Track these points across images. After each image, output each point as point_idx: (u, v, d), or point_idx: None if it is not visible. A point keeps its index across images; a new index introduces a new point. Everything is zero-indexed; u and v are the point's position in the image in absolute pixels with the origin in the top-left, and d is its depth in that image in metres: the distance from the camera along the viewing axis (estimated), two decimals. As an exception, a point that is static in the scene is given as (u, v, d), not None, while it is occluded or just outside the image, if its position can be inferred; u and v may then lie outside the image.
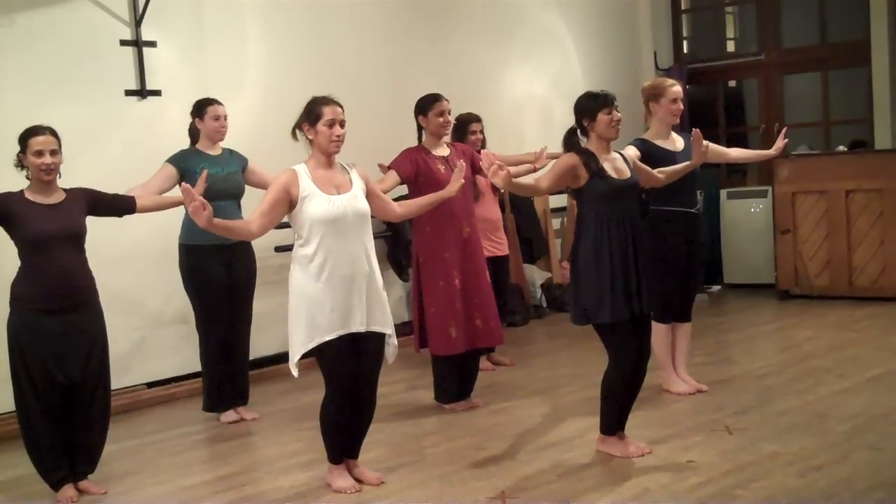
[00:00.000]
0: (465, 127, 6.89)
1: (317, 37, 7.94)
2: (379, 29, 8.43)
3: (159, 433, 5.96)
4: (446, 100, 5.94)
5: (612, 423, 4.89)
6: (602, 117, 4.72)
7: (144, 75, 6.85)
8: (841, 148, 9.99)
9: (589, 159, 4.71)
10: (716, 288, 10.19)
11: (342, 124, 4.51)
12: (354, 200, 4.49)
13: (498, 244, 7.08)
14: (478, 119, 7.00)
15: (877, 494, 4.18)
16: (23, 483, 5.11)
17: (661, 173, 5.24)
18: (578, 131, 4.83)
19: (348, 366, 4.49)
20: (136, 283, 6.69)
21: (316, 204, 4.41)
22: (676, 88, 5.87)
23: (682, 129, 6.48)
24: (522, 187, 4.84)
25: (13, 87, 6.27)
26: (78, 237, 4.69)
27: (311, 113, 4.51)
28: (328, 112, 4.48)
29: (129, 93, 6.83)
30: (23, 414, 4.72)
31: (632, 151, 5.57)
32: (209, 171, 5.75)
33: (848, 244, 9.03)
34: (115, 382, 5.06)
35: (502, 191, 4.57)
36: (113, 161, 6.44)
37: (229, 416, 6.10)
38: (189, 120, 6.05)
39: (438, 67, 8.77)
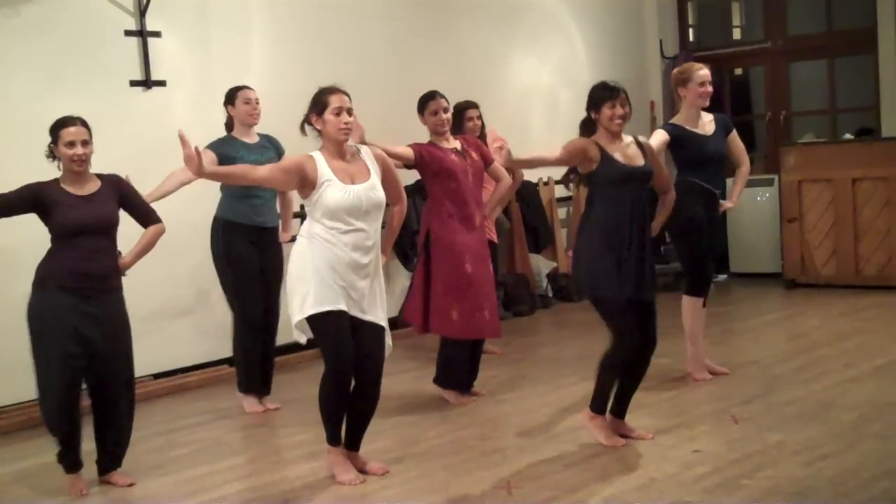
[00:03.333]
0: (462, 114, 6.87)
1: (321, 26, 7.93)
2: (383, 19, 8.40)
3: (166, 424, 5.97)
4: (442, 97, 5.93)
5: (604, 401, 4.91)
6: (605, 111, 4.77)
7: (149, 66, 6.85)
8: (847, 136, 9.95)
9: (599, 144, 4.79)
10: (722, 277, 10.17)
11: (349, 112, 4.51)
12: (371, 191, 4.50)
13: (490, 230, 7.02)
14: (475, 105, 6.97)
15: (883, 483, 4.18)
16: (29, 474, 5.14)
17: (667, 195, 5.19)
18: None
19: (348, 340, 4.47)
20: (143, 274, 6.67)
21: (332, 192, 4.42)
22: (704, 72, 5.93)
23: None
24: (526, 162, 4.84)
25: (18, 77, 6.27)
26: (111, 227, 4.74)
27: (318, 103, 4.52)
28: (334, 100, 4.49)
29: (133, 83, 6.83)
30: (43, 395, 4.69)
31: (660, 137, 5.76)
32: (248, 158, 5.83)
33: (854, 233, 9.01)
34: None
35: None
36: (118, 151, 6.39)
37: (254, 406, 6.10)
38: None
39: (442, 56, 8.75)
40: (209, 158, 5.73)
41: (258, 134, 6.09)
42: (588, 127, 4.88)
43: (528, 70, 9.75)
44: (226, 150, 5.89)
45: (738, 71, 11.85)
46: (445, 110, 5.92)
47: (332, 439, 4.63)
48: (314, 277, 4.43)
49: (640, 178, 4.83)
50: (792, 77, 10.87)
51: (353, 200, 4.43)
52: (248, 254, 5.98)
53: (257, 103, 6.03)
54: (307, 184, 4.45)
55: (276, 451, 5.39)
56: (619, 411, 4.98)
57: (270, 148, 6.07)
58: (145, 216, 4.95)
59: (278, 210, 6.19)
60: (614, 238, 4.73)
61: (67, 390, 4.63)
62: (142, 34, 6.83)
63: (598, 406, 4.91)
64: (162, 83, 6.93)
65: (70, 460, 4.76)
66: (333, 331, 4.46)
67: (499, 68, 9.43)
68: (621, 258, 4.71)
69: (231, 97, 6.03)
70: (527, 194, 9.10)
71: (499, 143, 4.38)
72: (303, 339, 4.57)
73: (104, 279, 4.70)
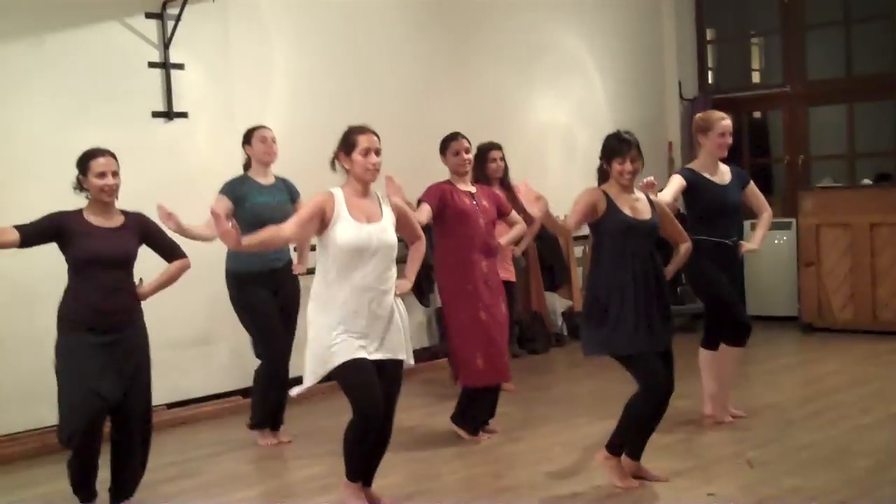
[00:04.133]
0: (486, 155, 6.91)
1: (342, 61, 8.00)
2: (404, 55, 8.48)
3: (179, 455, 5.97)
4: (464, 138, 5.98)
5: (622, 443, 4.88)
6: (615, 165, 4.81)
7: (172, 97, 6.92)
8: (866, 181, 9.95)
9: (608, 195, 4.82)
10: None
11: (377, 153, 4.53)
12: (382, 233, 4.50)
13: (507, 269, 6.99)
14: (498, 147, 7.02)
15: (900, 532, 4.14)
16: (44, 500, 5.14)
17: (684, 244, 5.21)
18: None
19: (375, 386, 4.45)
20: (158, 304, 6.70)
21: (344, 228, 4.43)
22: (726, 123, 5.90)
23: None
24: (555, 224, 4.85)
25: (42, 106, 6.34)
26: (128, 262, 4.77)
27: (347, 142, 4.54)
28: (363, 141, 4.51)
29: (156, 114, 6.90)
30: (64, 431, 4.67)
31: (676, 182, 5.75)
32: (259, 199, 5.88)
33: (872, 278, 8.98)
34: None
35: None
36: (139, 182, 6.42)
37: (267, 438, 6.10)
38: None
39: (462, 93, 8.81)
40: (225, 206, 5.78)
41: (275, 176, 6.11)
42: (603, 174, 4.93)
43: (546, 109, 9.80)
44: (240, 190, 5.91)
45: (757, 114, 11.88)
46: (467, 151, 5.96)
47: (353, 475, 4.60)
48: (331, 334, 4.42)
49: (645, 232, 4.84)
50: (810, 121, 10.88)
51: (365, 239, 4.44)
52: (262, 299, 5.97)
53: (273, 142, 6.06)
54: (324, 221, 4.48)
55: (288, 485, 5.37)
56: (635, 453, 4.96)
57: (284, 190, 6.08)
58: (170, 251, 4.98)
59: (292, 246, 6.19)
60: (618, 289, 4.73)
61: (90, 425, 4.60)
62: (165, 66, 6.91)
63: (615, 447, 4.88)
64: (184, 115, 7.00)
65: (85, 491, 4.75)
66: (359, 378, 4.43)
67: (518, 108, 9.48)
68: (634, 309, 4.71)
69: (248, 137, 6.07)
70: (543, 232, 9.08)
71: (535, 195, 4.41)
72: (295, 392, 4.66)
73: (124, 314, 4.72)
